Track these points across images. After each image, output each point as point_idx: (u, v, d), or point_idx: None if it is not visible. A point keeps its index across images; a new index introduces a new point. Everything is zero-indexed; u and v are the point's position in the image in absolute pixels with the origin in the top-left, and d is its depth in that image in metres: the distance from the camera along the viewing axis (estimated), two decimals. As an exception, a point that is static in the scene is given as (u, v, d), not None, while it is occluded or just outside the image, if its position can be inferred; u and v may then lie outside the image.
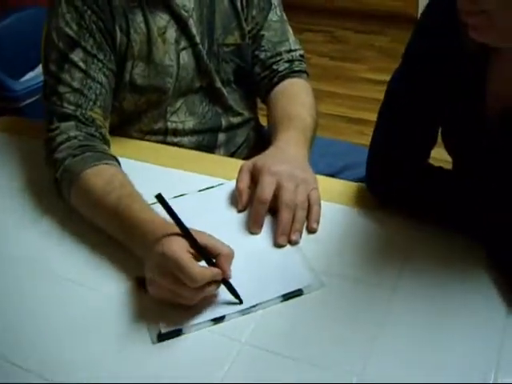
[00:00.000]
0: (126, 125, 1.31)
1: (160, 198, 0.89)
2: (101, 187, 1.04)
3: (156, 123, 1.31)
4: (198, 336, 0.89)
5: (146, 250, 0.92)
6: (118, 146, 1.23)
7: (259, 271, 0.97)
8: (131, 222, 0.98)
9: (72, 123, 1.15)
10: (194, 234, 0.90)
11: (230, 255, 0.92)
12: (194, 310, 0.91)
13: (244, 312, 0.91)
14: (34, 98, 2.19)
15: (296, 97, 1.32)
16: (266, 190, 1.04)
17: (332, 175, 1.33)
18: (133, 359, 0.87)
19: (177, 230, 0.90)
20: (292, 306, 0.92)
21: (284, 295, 0.93)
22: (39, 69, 2.18)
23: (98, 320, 0.93)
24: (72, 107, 1.16)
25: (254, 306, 0.92)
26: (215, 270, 0.89)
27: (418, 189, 1.01)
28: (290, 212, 1.02)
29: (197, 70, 1.30)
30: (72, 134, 1.14)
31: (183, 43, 1.26)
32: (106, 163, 1.10)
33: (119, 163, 1.14)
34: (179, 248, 0.87)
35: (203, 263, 0.90)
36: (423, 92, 0.98)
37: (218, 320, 0.90)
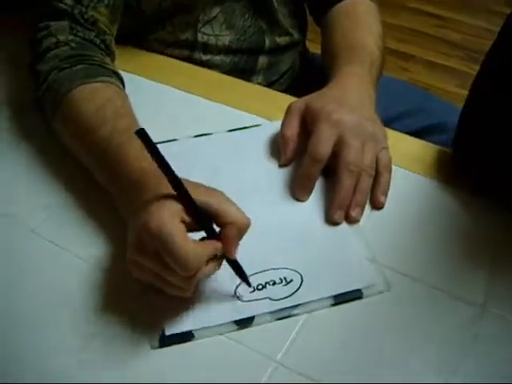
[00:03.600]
0: (145, 32, 1.03)
1: (142, 135, 0.62)
2: (90, 116, 0.78)
3: (183, 33, 1.03)
4: (215, 344, 0.64)
5: (131, 214, 0.67)
6: (128, 59, 0.96)
7: (301, 257, 0.72)
8: (120, 169, 0.72)
9: (65, 23, 0.87)
10: (195, 190, 0.64)
11: (244, 226, 0.65)
12: (214, 304, 0.67)
13: (279, 315, 0.66)
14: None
15: (362, 21, 1.03)
16: (324, 145, 0.78)
17: (386, 122, 1.07)
18: (122, 369, 0.62)
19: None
20: (346, 314, 0.67)
21: (336, 297, 0.68)
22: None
23: (69, 304, 0.68)
24: (69, 2, 0.87)
25: (293, 307, 0.67)
26: (216, 245, 0.64)
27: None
28: (353, 178, 0.77)
29: (240, -29, 1.02)
30: (62, 38, 0.86)
31: None
32: (102, 81, 0.82)
33: (122, 82, 0.86)
34: (169, 218, 0.61)
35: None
36: None
37: (244, 323, 0.65)
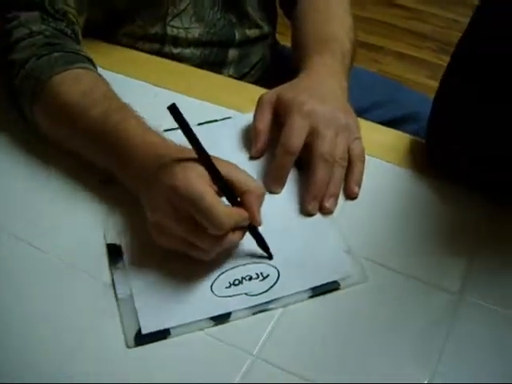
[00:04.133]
0: (114, 25, 1.01)
1: (173, 110, 0.64)
2: (78, 98, 0.78)
3: (153, 26, 1.01)
4: (192, 341, 0.63)
5: (148, 181, 0.68)
6: (98, 54, 0.93)
7: (277, 250, 0.71)
8: (125, 143, 0.73)
9: (36, 14, 0.86)
10: (214, 161, 0.66)
11: (261, 193, 0.69)
12: (190, 300, 0.66)
13: (256, 310, 0.66)
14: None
15: (332, 12, 1.02)
16: (296, 136, 0.77)
17: (358, 113, 1.07)
18: (98, 368, 0.61)
19: (191, 154, 0.66)
20: (323, 306, 0.66)
21: (313, 289, 0.67)
22: None
23: (38, 303, 0.67)
24: None
25: (269, 302, 0.66)
26: (243, 213, 0.66)
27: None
28: (327, 169, 0.76)
29: (208, -36, 1.00)
30: (36, 28, 0.84)
31: None
32: (82, 67, 0.82)
33: (96, 68, 0.86)
34: (199, 180, 0.64)
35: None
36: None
37: (220, 318, 0.64)
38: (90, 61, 0.86)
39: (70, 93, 0.79)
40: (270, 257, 0.70)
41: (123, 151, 0.72)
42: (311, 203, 0.75)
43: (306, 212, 0.75)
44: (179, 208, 0.63)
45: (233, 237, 0.66)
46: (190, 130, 0.65)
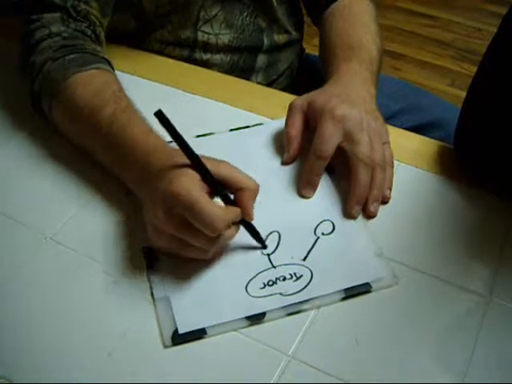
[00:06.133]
0: (144, 31, 1.03)
1: (160, 116, 0.66)
2: (90, 99, 0.80)
3: (183, 31, 1.02)
4: (228, 340, 0.64)
5: (146, 185, 0.70)
6: (128, 60, 0.96)
7: (310, 252, 0.72)
8: (127, 146, 0.74)
9: (57, 15, 0.88)
10: (207, 162, 0.68)
11: (254, 190, 0.70)
12: (225, 300, 0.67)
13: (291, 310, 0.67)
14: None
15: (358, 20, 1.03)
16: (329, 142, 0.78)
17: (385, 120, 1.07)
18: (136, 368, 0.62)
19: (187, 159, 0.67)
20: (356, 307, 0.67)
21: (346, 290, 0.68)
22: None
23: (78, 304, 0.68)
24: None
25: (304, 302, 0.67)
26: (235, 210, 0.69)
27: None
28: (368, 173, 0.77)
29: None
30: (55, 29, 0.87)
31: None
32: (96, 67, 0.84)
33: (113, 68, 0.87)
34: (193, 185, 0.65)
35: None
36: None
37: (255, 318, 0.66)
38: (106, 60, 0.87)
39: (83, 92, 0.81)
40: (264, 247, 0.72)
41: (125, 154, 0.74)
42: (354, 207, 0.76)
43: (349, 216, 0.76)
44: (175, 212, 0.64)
45: (227, 233, 0.68)
46: (179, 134, 0.66)
